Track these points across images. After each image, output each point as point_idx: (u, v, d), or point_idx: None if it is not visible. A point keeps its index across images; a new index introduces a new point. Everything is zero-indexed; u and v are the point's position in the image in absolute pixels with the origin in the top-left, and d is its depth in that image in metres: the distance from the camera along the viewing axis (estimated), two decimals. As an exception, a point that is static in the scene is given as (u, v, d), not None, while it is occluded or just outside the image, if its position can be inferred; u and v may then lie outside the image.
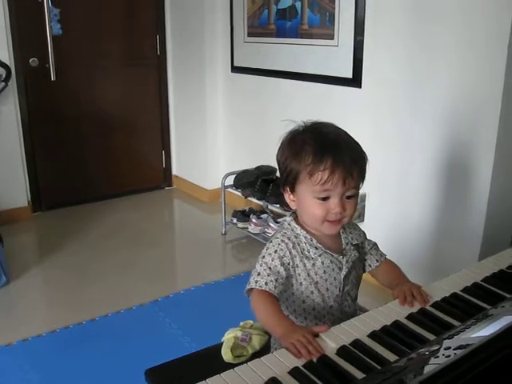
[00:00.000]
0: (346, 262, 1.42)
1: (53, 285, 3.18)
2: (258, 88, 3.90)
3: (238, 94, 4.15)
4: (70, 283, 3.15)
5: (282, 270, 1.35)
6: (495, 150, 2.42)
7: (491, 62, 2.36)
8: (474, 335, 1.03)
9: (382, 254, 1.57)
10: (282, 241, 1.39)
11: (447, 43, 2.51)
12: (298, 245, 1.39)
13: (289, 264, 1.37)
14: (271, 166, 3.69)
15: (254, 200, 3.77)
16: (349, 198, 1.33)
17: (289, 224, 1.44)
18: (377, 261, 1.55)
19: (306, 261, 1.38)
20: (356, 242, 1.48)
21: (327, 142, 1.32)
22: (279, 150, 1.40)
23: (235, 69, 4.07)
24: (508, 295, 1.34)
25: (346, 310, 1.45)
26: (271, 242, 1.41)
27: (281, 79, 3.64)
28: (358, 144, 1.37)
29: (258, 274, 1.36)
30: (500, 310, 1.22)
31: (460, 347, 0.96)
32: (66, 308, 2.87)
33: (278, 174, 3.88)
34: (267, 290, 1.32)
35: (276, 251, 1.37)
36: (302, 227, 1.41)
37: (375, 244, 1.58)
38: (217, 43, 4.18)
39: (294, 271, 1.38)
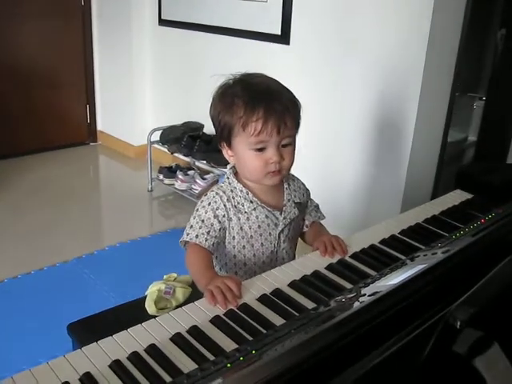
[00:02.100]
0: (284, 218, 1.42)
1: (-30, 242, 3.06)
2: (186, 42, 3.81)
3: (165, 49, 4.05)
4: (-11, 240, 3.04)
5: (215, 221, 1.35)
6: (417, 109, 2.52)
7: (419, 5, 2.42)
8: (387, 283, 1.08)
9: (320, 216, 1.57)
10: (217, 193, 1.39)
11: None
12: (233, 198, 1.38)
13: (224, 216, 1.37)
14: (198, 123, 3.66)
15: (181, 156, 3.74)
16: (285, 146, 1.33)
17: (227, 177, 1.43)
18: (313, 222, 1.55)
19: (239, 215, 1.38)
20: (298, 201, 1.48)
21: (258, 92, 1.31)
22: (211, 105, 1.38)
23: (163, 22, 3.96)
24: (422, 246, 1.41)
25: None
26: (206, 194, 1.41)
27: (209, 34, 3.58)
28: (289, 91, 1.36)
29: (191, 226, 1.36)
30: (413, 261, 1.28)
31: (374, 294, 1.01)
32: (-15, 266, 2.78)
33: (204, 130, 3.83)
34: (197, 242, 1.33)
35: (210, 203, 1.37)
36: (240, 181, 1.41)
37: (317, 205, 1.58)
38: (144, -6, 4.04)
39: (228, 224, 1.38)
